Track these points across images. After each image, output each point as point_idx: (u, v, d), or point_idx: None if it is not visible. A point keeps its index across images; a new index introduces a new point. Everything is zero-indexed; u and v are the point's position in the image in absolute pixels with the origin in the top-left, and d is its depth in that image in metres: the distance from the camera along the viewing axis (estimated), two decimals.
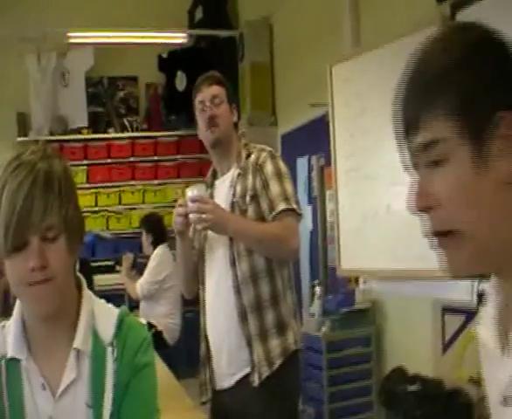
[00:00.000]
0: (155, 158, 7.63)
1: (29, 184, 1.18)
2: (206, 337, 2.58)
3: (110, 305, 1.38)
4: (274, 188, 2.46)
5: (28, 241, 1.18)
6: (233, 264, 2.47)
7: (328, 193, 5.07)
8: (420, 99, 0.85)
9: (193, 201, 2.39)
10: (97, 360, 1.28)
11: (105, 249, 7.09)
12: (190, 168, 7.66)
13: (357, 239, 4.31)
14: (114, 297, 6.10)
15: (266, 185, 2.47)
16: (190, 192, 2.42)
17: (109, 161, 7.45)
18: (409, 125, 0.89)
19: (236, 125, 2.65)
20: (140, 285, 5.15)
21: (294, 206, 2.47)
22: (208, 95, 2.57)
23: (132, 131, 7.62)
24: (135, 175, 7.55)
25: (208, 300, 2.57)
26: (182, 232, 2.53)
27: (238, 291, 2.46)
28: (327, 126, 4.61)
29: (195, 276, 2.64)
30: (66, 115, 7.35)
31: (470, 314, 3.41)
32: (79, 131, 7.39)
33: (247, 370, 2.45)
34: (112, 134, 7.54)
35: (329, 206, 5.02)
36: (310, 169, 5.43)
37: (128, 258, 5.49)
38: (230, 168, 2.57)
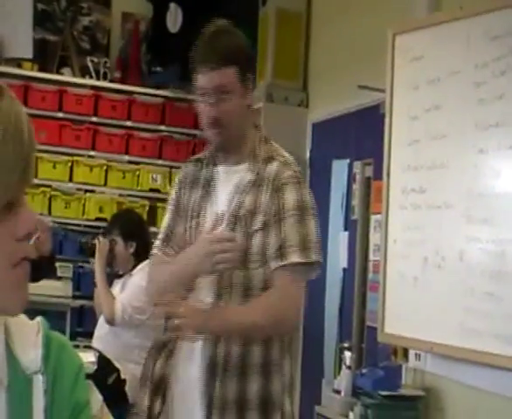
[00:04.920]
0: (129, 124, 7.60)
1: None
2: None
3: (24, 317, 1.37)
4: (292, 228, 2.67)
5: None
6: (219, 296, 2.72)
7: (373, 218, 5.10)
8: None
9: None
10: (18, 395, 1.29)
11: None
12: (178, 146, 7.64)
13: (412, 293, 4.30)
14: (51, 313, 6.18)
15: (281, 218, 2.69)
16: None
17: (60, 115, 7.39)
18: None
19: (250, 106, 2.84)
20: (123, 305, 5.05)
21: (312, 257, 2.69)
22: (211, 84, 2.70)
23: (97, 78, 7.55)
24: (97, 142, 7.50)
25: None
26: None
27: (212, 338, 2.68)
28: (382, 120, 4.62)
29: None
30: (0, 36, 7.22)
31: None
32: (18, 63, 7.33)
33: None
34: (67, 77, 7.47)
35: (374, 238, 5.04)
36: (351, 180, 5.47)
37: (104, 245, 5.29)
38: (239, 161, 2.80)
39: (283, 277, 2.65)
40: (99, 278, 5.22)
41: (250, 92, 2.79)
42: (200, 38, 2.76)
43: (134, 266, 5.21)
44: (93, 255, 5.37)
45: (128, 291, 5.13)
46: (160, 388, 2.78)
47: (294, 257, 2.65)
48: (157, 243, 2.92)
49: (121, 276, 5.33)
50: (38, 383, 1.30)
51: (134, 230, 5.29)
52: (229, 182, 2.78)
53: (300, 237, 2.66)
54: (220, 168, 2.83)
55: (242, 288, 2.67)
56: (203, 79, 2.70)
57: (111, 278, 5.52)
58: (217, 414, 2.65)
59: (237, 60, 2.73)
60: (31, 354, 1.31)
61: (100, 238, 5.36)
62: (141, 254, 5.19)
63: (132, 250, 5.21)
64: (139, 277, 5.15)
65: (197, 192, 2.84)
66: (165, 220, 2.92)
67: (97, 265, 5.26)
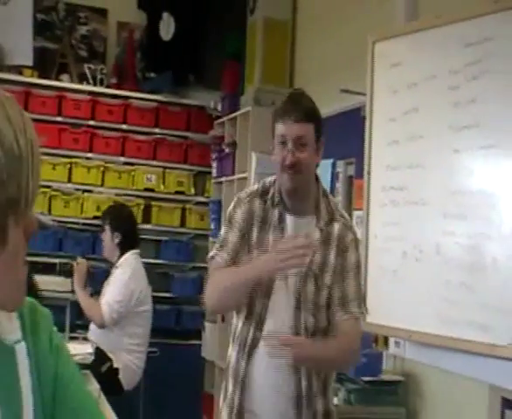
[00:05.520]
0: (124, 127, 7.75)
1: None
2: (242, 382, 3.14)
3: None
4: (352, 284, 3.13)
5: None
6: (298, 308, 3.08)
7: (356, 214, 5.13)
8: None
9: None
10: (3, 366, 1.32)
11: (44, 240, 7.12)
12: (172, 148, 7.80)
13: (392, 284, 4.36)
14: (53, 307, 6.25)
15: (344, 276, 3.12)
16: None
17: (59, 119, 7.55)
18: None
19: (317, 165, 3.21)
20: (108, 306, 5.21)
21: (364, 311, 3.21)
22: (292, 134, 3.02)
23: (95, 84, 7.70)
24: (95, 145, 7.66)
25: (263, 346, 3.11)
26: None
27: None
28: (363, 122, 4.68)
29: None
30: (2, 45, 7.31)
31: None
32: (19, 70, 7.43)
33: None
34: (66, 84, 7.61)
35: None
36: (334, 178, 5.51)
37: (81, 266, 5.52)
38: (305, 212, 3.13)
39: (349, 326, 3.10)
40: (80, 295, 5.41)
41: (319, 152, 3.12)
42: (284, 98, 3.11)
43: (119, 257, 5.42)
44: (71, 275, 5.57)
45: (111, 288, 5.31)
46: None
47: (354, 311, 3.10)
48: (222, 254, 3.13)
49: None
50: (22, 349, 1.34)
51: (121, 223, 5.49)
52: (301, 232, 3.08)
53: (357, 293, 3.12)
54: (288, 217, 3.13)
55: (312, 329, 3.08)
56: (285, 129, 3.01)
57: (105, 274, 5.72)
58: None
59: (315, 120, 3.07)
60: (8, 326, 1.33)
61: (78, 259, 5.57)
62: (125, 245, 5.42)
63: (117, 240, 5.43)
64: (121, 270, 5.34)
65: (268, 232, 3.13)
66: (230, 237, 3.13)
67: (76, 284, 5.45)
